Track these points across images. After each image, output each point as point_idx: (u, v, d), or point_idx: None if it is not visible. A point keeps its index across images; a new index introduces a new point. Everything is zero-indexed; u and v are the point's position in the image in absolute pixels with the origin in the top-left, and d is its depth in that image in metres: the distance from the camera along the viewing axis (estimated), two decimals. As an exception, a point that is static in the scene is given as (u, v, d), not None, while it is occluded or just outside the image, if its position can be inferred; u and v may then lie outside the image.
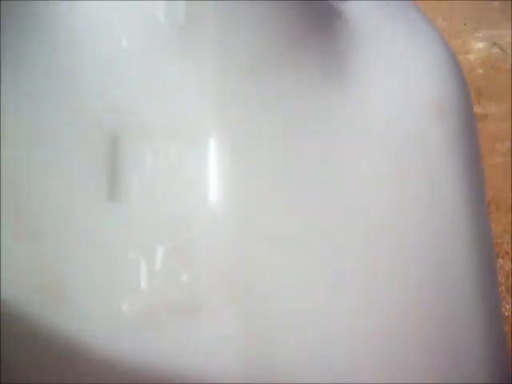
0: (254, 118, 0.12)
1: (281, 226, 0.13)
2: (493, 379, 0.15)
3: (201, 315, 0.12)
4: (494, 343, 0.15)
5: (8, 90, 0.12)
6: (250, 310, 0.13)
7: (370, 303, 0.14)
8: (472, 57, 1.57)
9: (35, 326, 0.11)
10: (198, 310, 0.12)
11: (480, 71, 1.50)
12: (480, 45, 1.61)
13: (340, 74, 0.14)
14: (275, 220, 0.13)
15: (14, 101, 0.12)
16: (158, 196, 0.12)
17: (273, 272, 0.13)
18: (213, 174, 0.12)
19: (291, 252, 0.13)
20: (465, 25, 1.69)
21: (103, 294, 0.12)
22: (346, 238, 0.13)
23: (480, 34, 1.65)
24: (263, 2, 0.13)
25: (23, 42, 0.13)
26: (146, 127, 0.12)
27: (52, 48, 0.13)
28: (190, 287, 0.12)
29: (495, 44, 1.59)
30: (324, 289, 0.14)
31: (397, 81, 0.15)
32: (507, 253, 1.03)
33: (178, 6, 0.12)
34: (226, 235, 0.12)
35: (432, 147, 0.14)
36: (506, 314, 0.94)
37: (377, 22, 0.15)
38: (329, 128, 0.14)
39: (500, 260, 1.02)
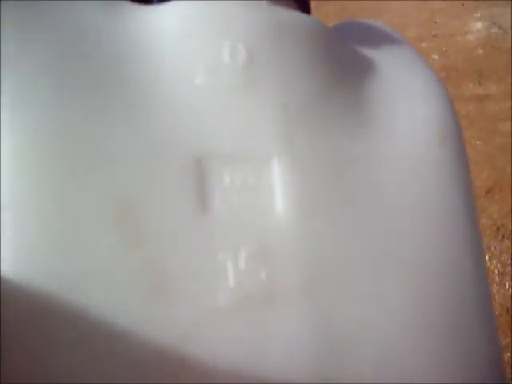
0: (311, 143, 0.15)
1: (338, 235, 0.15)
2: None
3: (277, 304, 0.14)
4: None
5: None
6: (324, 301, 0.15)
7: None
8: (472, 37, 1.56)
9: (139, 322, 0.13)
10: (274, 299, 0.14)
11: (480, 51, 1.49)
12: (479, 25, 1.60)
13: (364, 108, 0.17)
14: (334, 228, 0.15)
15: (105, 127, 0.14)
16: (237, 208, 0.14)
17: (340, 268, 0.15)
18: (280, 189, 0.15)
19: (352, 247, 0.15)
20: (463, 5, 1.68)
21: (199, 293, 0.14)
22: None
23: (479, 14, 1.64)
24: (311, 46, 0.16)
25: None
26: (222, 152, 0.15)
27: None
28: (267, 281, 0.14)
29: (494, 23, 1.57)
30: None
31: (407, 115, 0.18)
32: (513, 233, 1.03)
33: (240, 49, 0.15)
34: (294, 237, 0.15)
35: (438, 170, 0.17)
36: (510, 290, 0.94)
37: (385, 65, 0.19)
38: (364, 154, 0.16)
39: (506, 241, 1.02)
